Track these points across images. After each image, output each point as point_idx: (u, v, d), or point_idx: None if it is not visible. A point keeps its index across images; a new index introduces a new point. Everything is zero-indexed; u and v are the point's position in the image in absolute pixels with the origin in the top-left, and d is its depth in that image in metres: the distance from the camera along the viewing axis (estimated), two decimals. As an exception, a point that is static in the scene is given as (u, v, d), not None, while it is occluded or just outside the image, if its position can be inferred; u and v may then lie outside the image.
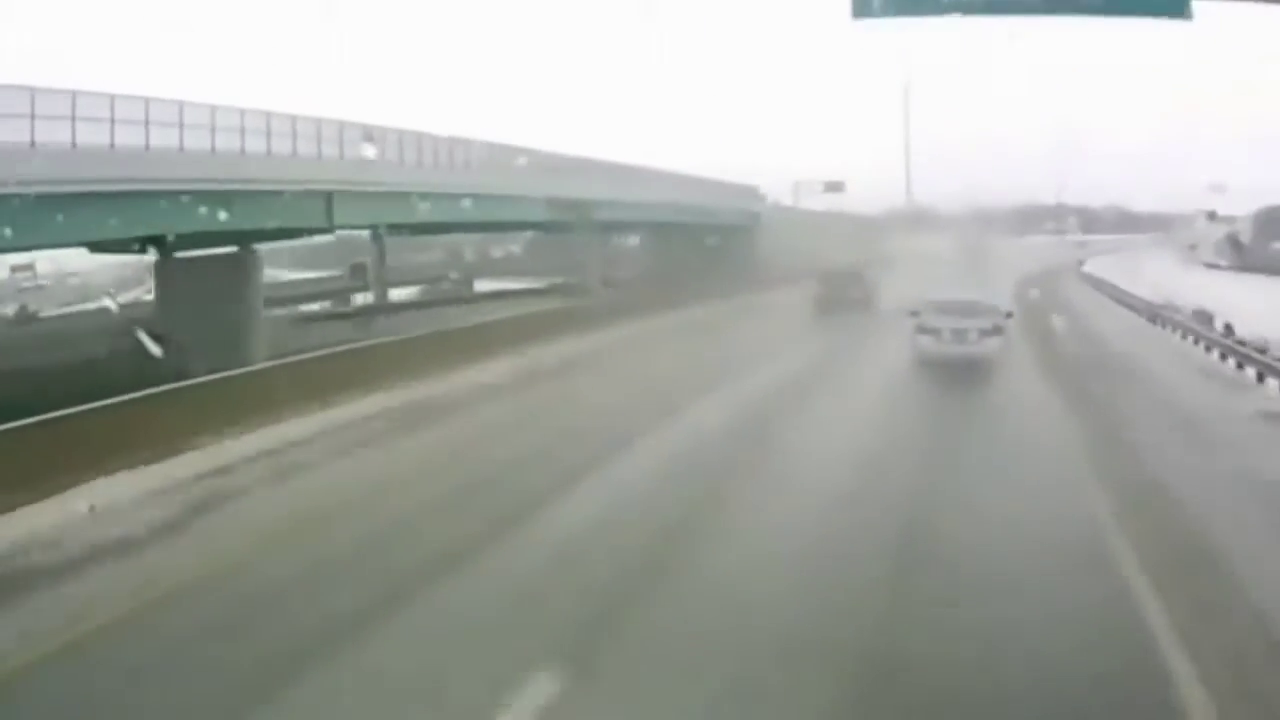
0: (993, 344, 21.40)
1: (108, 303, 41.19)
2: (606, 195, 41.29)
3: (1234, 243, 57.29)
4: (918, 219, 68.77)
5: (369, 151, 30.60)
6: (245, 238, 27.04)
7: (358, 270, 44.85)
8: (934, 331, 21.61)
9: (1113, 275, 49.19)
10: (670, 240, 51.77)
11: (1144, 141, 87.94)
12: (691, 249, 51.54)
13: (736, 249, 52.44)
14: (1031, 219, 70.09)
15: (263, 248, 28.68)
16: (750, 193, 55.46)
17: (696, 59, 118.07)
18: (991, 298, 24.79)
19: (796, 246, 57.67)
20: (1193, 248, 61.38)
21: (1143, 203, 71.08)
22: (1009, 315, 23.24)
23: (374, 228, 38.20)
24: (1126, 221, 72.81)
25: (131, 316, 32.56)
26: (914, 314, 22.64)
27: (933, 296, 23.51)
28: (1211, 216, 58.53)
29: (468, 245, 60.24)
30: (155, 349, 22.98)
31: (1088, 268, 58.11)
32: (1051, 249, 66.88)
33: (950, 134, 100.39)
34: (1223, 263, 56.44)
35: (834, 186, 62.73)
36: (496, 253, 63.11)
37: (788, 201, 63.27)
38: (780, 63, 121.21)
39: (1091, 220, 73.20)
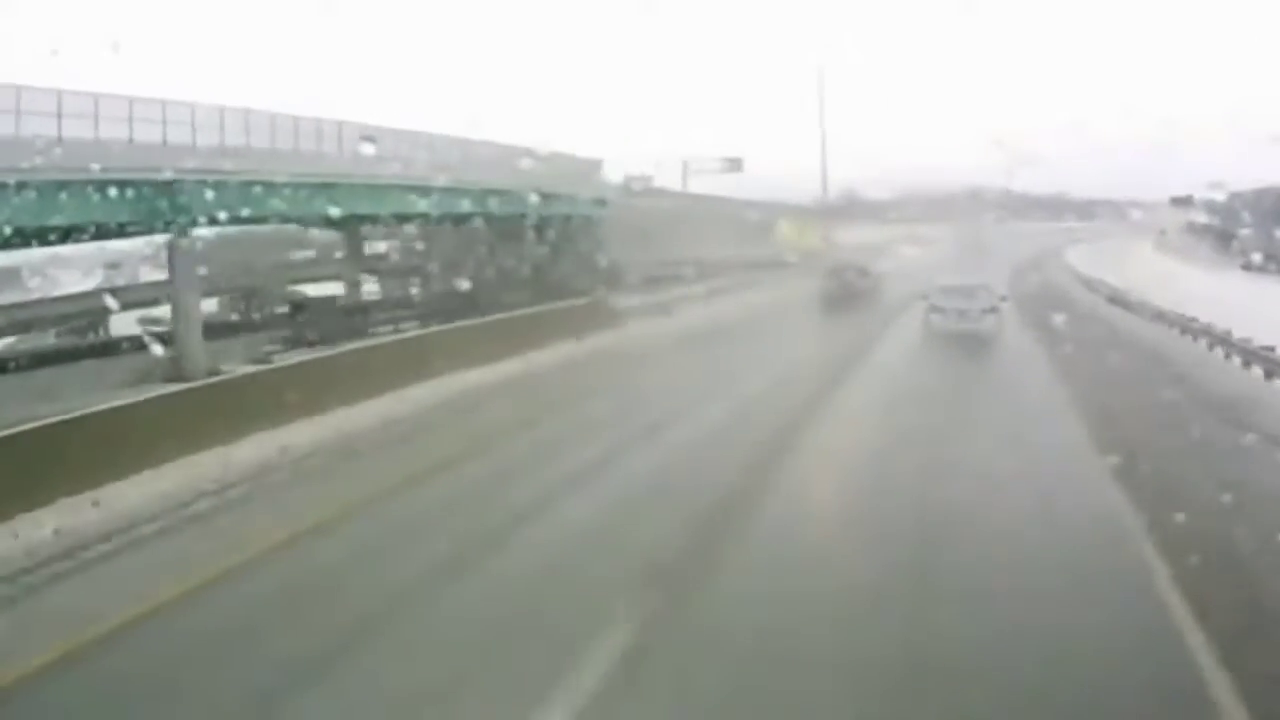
0: (990, 320, 25.56)
1: None
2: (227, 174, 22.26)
3: (1205, 230, 55.43)
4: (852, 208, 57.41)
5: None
6: None
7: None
8: (942, 311, 25.66)
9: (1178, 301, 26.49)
10: (436, 243, 32.70)
11: (1085, 127, 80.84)
12: (484, 258, 32.77)
13: (555, 259, 33.19)
14: (972, 206, 63.73)
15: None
16: (574, 169, 34.71)
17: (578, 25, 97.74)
18: (988, 282, 27.68)
19: (676, 252, 39.45)
20: (1162, 233, 60.82)
21: (1085, 189, 68.10)
22: (1004, 299, 26.94)
23: None
24: (1069, 208, 71.15)
25: None
26: (924, 297, 26.86)
27: (940, 282, 27.14)
28: (1188, 201, 56.81)
29: (336, 244, 40.87)
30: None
31: (1072, 258, 49.45)
32: (1010, 240, 57.70)
33: (868, 115, 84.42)
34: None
35: (732, 165, 45.77)
36: (366, 251, 43.43)
37: (675, 185, 45.23)
38: (679, 33, 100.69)
39: (1031, 207, 69.42)
